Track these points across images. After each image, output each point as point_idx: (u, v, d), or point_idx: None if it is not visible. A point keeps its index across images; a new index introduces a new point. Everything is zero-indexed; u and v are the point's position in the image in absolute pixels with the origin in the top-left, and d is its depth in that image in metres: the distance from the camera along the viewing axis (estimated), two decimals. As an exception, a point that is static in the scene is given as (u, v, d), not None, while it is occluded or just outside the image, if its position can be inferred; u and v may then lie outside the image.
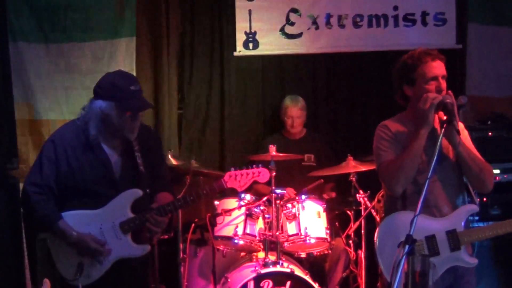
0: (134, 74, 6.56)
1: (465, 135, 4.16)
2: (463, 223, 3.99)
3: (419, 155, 3.92)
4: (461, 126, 4.10)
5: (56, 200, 4.27)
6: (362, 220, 6.11)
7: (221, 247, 5.84)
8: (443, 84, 3.99)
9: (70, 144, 4.28)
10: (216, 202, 5.93)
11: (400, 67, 4.12)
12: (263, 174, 4.75)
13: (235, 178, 4.65)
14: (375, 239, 4.06)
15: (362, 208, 6.14)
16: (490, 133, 6.59)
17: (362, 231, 6.10)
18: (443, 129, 3.80)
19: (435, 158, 3.62)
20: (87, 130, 4.25)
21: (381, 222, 4.10)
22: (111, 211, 4.28)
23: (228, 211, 5.75)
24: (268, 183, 5.53)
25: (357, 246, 6.29)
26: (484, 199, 6.43)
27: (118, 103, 4.19)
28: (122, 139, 4.33)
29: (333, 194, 6.66)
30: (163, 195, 4.49)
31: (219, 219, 5.79)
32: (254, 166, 4.73)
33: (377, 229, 4.06)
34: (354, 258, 6.34)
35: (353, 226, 6.28)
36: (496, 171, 6.52)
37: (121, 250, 4.29)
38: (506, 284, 6.35)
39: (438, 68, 4.00)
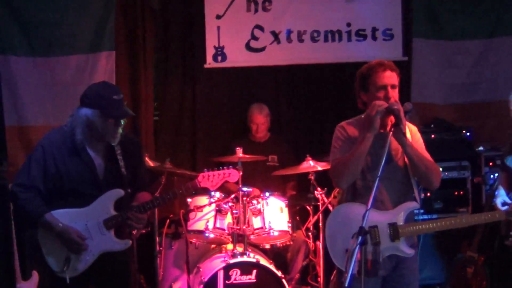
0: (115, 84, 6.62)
1: (417, 137, 4.21)
2: (403, 218, 4.04)
3: (364, 156, 3.96)
4: (414, 129, 4.23)
5: (44, 200, 4.30)
6: (320, 214, 6.14)
7: (193, 240, 5.91)
8: (391, 92, 4.01)
9: (58, 148, 4.31)
10: (189, 200, 5.96)
11: (359, 76, 4.16)
12: (233, 175, 4.83)
13: (207, 178, 4.72)
14: (326, 227, 4.14)
15: (320, 203, 6.19)
16: (433, 136, 6.73)
17: (320, 224, 6.14)
18: (391, 132, 3.90)
19: (384, 158, 3.70)
20: (73, 136, 4.29)
21: (332, 210, 4.17)
22: (96, 209, 4.32)
23: (200, 208, 5.83)
24: (236, 181, 5.69)
25: (316, 238, 6.34)
26: (428, 194, 6.54)
27: (102, 111, 4.23)
28: (106, 144, 4.38)
29: (294, 192, 6.78)
30: (142, 194, 4.54)
31: (191, 215, 5.85)
32: (225, 167, 4.79)
33: (328, 218, 4.13)
34: (313, 248, 6.40)
35: (312, 220, 6.33)
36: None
37: (105, 245, 4.34)
38: (447, 269, 6.53)
39: (388, 78, 4.04)
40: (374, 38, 7.26)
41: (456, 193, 6.71)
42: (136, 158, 4.58)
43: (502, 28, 7.36)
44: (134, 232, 4.70)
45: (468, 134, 6.79)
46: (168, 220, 6.12)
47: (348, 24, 7.22)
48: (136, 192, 4.55)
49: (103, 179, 4.39)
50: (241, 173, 5.62)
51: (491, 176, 6.63)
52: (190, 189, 4.68)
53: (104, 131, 4.30)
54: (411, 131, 4.19)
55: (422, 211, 6.42)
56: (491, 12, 7.37)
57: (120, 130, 4.34)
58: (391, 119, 3.98)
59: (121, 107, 4.33)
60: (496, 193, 5.22)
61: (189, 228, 5.85)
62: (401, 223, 4.03)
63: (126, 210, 4.36)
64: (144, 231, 5.90)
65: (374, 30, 7.25)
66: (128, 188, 4.42)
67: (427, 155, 4.16)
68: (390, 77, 4.07)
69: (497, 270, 6.19)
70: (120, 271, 4.55)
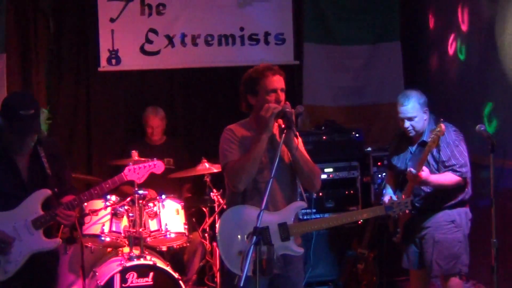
0: (5, 88, 6.42)
1: (299, 140, 4.19)
2: (292, 217, 4.07)
3: (260, 156, 3.97)
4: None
5: None
6: (216, 215, 6.16)
7: (89, 244, 5.77)
8: (281, 96, 4.03)
9: None
10: (84, 204, 5.84)
11: (246, 79, 4.15)
12: (158, 166, 4.91)
13: (134, 171, 4.76)
14: (216, 229, 4.15)
15: (215, 205, 6.21)
16: (324, 137, 6.81)
17: (217, 225, 6.14)
18: (283, 135, 3.88)
19: (277, 160, 3.68)
20: None
21: (223, 214, 4.15)
22: (23, 210, 4.23)
23: (95, 211, 5.71)
24: (132, 184, 5.61)
25: (212, 239, 6.32)
26: (320, 193, 6.67)
27: (7, 123, 4.16)
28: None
29: (190, 194, 6.76)
30: (68, 196, 4.44)
31: (87, 219, 5.72)
32: (149, 159, 4.89)
33: (218, 224, 4.13)
34: (210, 249, 6.40)
35: (208, 221, 6.36)
36: (330, 170, 6.81)
37: (34, 245, 4.24)
38: (339, 266, 6.63)
39: (277, 82, 4.05)
40: (266, 42, 7.36)
41: (346, 192, 6.83)
42: (59, 159, 4.49)
43: (386, 35, 7.65)
44: (63, 230, 4.61)
45: (357, 135, 6.92)
46: (62, 225, 5.91)
47: (241, 29, 7.29)
48: (62, 195, 4.45)
49: (28, 181, 4.29)
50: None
51: (379, 175, 6.80)
52: (117, 183, 4.64)
53: (9, 142, 4.22)
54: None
55: (314, 210, 6.51)
56: (376, 19, 7.65)
57: (30, 143, 4.25)
58: (279, 122, 4.03)
59: (26, 123, 4.17)
60: (383, 191, 5.35)
61: (84, 232, 5.71)
62: (291, 223, 4.06)
63: (54, 209, 4.29)
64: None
65: (266, 34, 7.35)
66: (55, 188, 4.35)
67: (309, 158, 4.21)
68: (279, 81, 4.09)
69: (386, 266, 6.37)
70: (47, 274, 4.48)
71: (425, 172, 4.78)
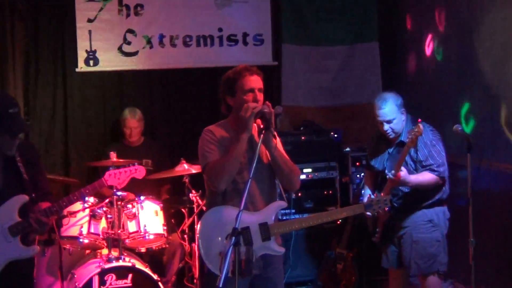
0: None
1: (278, 140, 4.23)
2: (273, 217, 4.08)
3: (241, 156, 3.99)
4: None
5: None
6: (195, 216, 6.14)
7: (67, 246, 5.72)
8: (259, 95, 4.05)
9: None
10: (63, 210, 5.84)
11: (224, 80, 4.17)
12: (139, 171, 4.84)
13: (114, 176, 4.69)
14: (197, 230, 4.14)
15: (194, 206, 6.19)
16: (303, 138, 6.84)
17: (195, 226, 5.98)
18: (262, 135, 3.89)
19: (255, 161, 3.68)
20: None
21: (203, 215, 4.14)
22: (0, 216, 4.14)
23: (73, 213, 5.64)
24: (110, 186, 5.58)
25: (191, 240, 6.30)
26: (299, 194, 6.71)
27: None
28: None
29: (168, 195, 6.74)
30: (45, 203, 4.34)
31: (65, 221, 5.63)
32: (130, 164, 4.80)
33: (199, 224, 4.11)
34: (189, 250, 6.39)
35: (187, 222, 6.33)
36: (309, 170, 6.83)
37: (11, 252, 4.14)
38: (319, 266, 6.64)
39: (255, 81, 4.07)
40: (245, 43, 7.36)
41: (325, 192, 6.87)
42: (35, 164, 4.39)
43: (364, 35, 7.69)
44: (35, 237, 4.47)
45: (336, 136, 6.96)
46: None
47: (220, 29, 7.28)
48: (39, 199, 4.34)
49: (4, 186, 4.18)
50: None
51: (358, 175, 6.83)
52: (97, 188, 4.57)
53: None
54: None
55: (293, 210, 6.53)
56: (354, 20, 7.69)
57: (16, 142, 4.17)
58: (258, 122, 4.03)
59: (16, 121, 4.13)
60: (362, 191, 5.38)
61: (63, 234, 5.66)
62: (271, 223, 4.07)
63: (31, 215, 4.17)
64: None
65: (245, 35, 7.35)
66: (32, 193, 4.24)
67: (288, 158, 4.21)
68: (257, 81, 4.10)
69: (365, 266, 6.40)
70: (22, 283, 4.38)
71: (403, 172, 4.80)
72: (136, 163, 4.83)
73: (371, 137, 5.43)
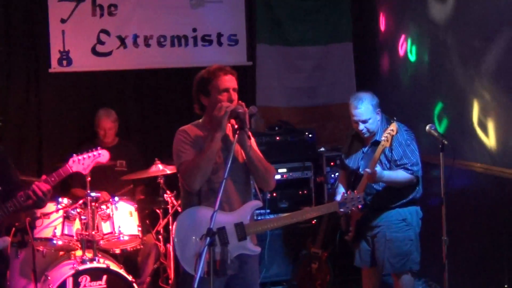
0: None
1: (252, 140, 4.23)
2: (248, 217, 4.09)
3: (215, 155, 3.98)
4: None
5: None
6: (170, 217, 6.14)
7: (41, 248, 5.67)
8: (234, 95, 4.06)
9: None
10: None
11: (198, 80, 4.16)
12: (103, 155, 4.80)
13: (78, 162, 4.65)
14: (172, 231, 4.14)
15: (169, 206, 6.18)
16: (278, 138, 6.86)
17: (170, 227, 6.09)
18: (236, 135, 3.90)
19: (230, 160, 3.69)
20: None
21: (178, 216, 4.14)
22: None
23: (47, 215, 5.61)
24: (84, 187, 5.55)
25: (166, 241, 6.33)
26: (274, 194, 6.72)
27: None
28: None
29: (143, 196, 6.70)
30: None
31: (38, 222, 5.61)
32: (93, 149, 4.76)
33: (174, 225, 4.10)
34: (164, 251, 6.38)
35: (162, 223, 6.32)
36: (284, 170, 6.85)
37: None
38: (293, 266, 6.66)
39: (229, 81, 4.07)
40: (219, 43, 7.36)
41: (300, 192, 6.89)
42: (2, 161, 4.33)
43: (338, 35, 7.75)
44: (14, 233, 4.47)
45: (310, 135, 6.98)
46: (13, 229, 5.81)
47: (194, 30, 7.29)
48: (10, 192, 4.27)
49: None
50: (89, 178, 5.53)
51: (332, 175, 6.86)
52: (62, 175, 4.51)
53: None
54: None
55: (268, 211, 6.53)
56: (328, 21, 7.74)
57: None
58: (232, 122, 4.05)
59: None
60: (336, 191, 5.39)
61: (36, 236, 5.62)
62: (247, 222, 4.08)
63: (2, 205, 4.14)
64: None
65: (219, 35, 7.36)
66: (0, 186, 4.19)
67: (263, 157, 4.22)
68: (231, 81, 4.11)
69: (339, 264, 6.42)
70: None
71: (378, 168, 4.82)
72: (99, 147, 4.78)
73: (346, 135, 5.45)
